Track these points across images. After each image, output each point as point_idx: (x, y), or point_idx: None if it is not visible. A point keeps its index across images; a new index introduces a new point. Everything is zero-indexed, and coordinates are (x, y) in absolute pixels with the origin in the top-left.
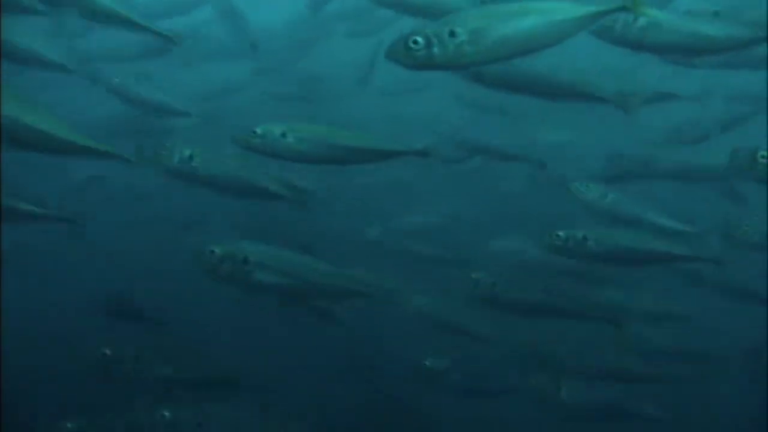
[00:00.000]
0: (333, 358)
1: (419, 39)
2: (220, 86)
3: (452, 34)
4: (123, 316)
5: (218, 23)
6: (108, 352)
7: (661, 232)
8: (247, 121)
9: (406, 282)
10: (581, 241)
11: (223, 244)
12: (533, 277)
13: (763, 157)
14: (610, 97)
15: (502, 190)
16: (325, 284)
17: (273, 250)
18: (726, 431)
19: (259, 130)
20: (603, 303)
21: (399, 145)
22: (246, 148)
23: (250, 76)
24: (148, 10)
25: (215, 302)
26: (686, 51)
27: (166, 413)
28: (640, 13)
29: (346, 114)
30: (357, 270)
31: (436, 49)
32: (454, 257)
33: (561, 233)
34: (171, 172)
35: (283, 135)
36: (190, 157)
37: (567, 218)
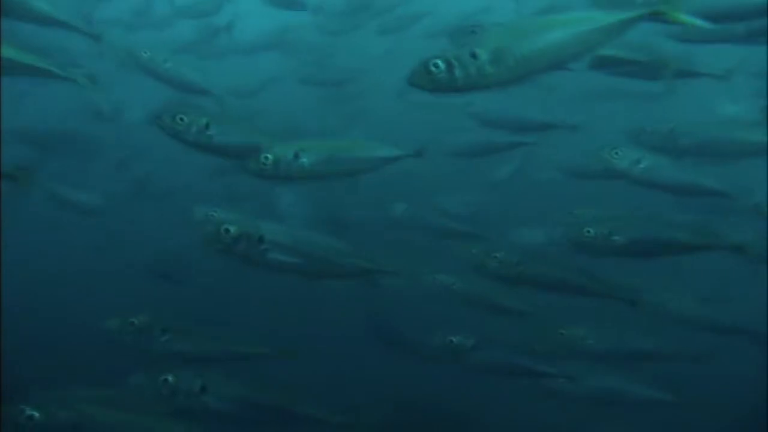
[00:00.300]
0: (349, 332)
1: (440, 63)
2: (256, 78)
3: (473, 55)
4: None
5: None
6: (136, 321)
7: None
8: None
9: (427, 260)
10: (607, 236)
11: (238, 222)
12: (552, 255)
13: None
14: (646, 63)
15: (531, 178)
16: (342, 263)
17: (289, 229)
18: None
19: (271, 156)
20: (620, 281)
21: (394, 151)
22: (258, 175)
23: (282, 67)
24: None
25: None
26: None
27: (170, 378)
28: (675, 18)
29: (374, 106)
30: (379, 248)
31: (457, 72)
32: (476, 234)
33: (591, 230)
34: (187, 142)
35: (295, 156)
36: (207, 126)
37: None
